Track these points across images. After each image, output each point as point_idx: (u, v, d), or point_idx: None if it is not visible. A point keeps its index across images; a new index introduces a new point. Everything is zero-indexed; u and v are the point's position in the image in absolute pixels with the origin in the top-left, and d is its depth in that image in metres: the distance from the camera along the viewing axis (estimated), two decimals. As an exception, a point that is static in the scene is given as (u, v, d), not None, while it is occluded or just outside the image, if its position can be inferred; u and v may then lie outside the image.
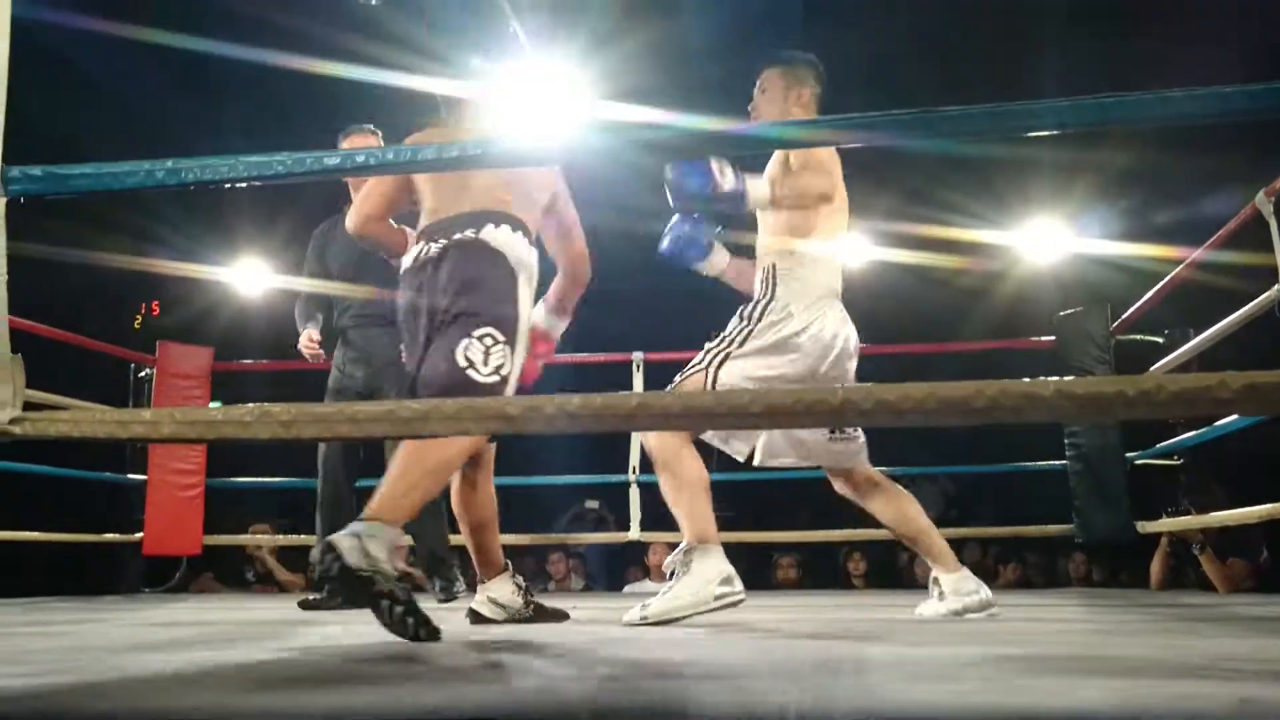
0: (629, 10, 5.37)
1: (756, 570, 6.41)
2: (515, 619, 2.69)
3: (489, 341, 2.44)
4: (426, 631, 2.05)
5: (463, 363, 2.41)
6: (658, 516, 5.42)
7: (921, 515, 2.87)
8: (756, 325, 2.73)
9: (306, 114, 6.18)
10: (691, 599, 2.53)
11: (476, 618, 2.70)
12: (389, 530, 2.14)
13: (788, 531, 5.71)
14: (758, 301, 2.80)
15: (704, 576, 2.55)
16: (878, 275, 7.92)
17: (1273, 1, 5.09)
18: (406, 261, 2.61)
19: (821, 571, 6.50)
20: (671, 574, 2.61)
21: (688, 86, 5.90)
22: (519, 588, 2.73)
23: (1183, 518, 4.51)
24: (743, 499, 7.80)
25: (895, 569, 6.47)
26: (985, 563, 6.50)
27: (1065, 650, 1.71)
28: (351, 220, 2.70)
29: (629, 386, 5.28)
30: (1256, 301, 3.54)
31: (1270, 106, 1.50)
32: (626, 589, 6.15)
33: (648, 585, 5.72)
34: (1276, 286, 3.37)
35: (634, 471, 5.22)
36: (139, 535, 5.25)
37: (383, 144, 3.92)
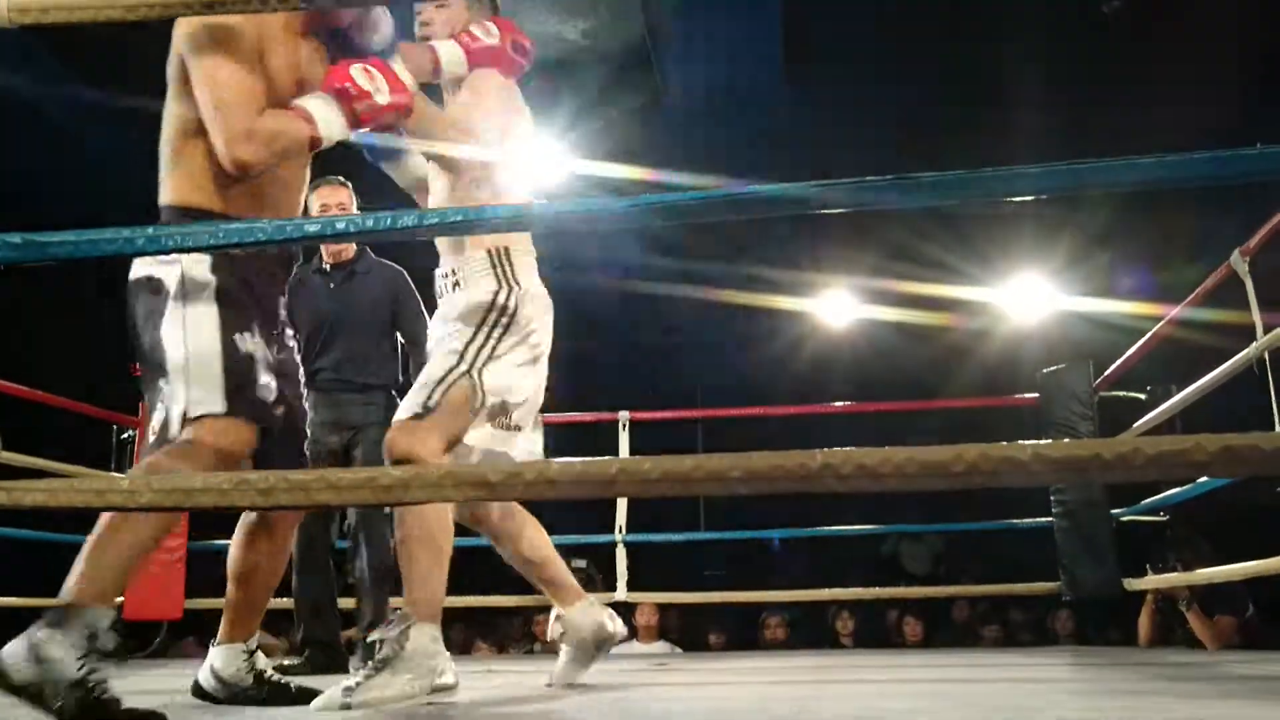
0: (610, 75, 5.43)
1: (745, 630, 6.36)
2: (236, 698, 2.31)
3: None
4: None
5: None
6: (645, 577, 5.41)
7: (548, 542, 2.68)
8: (511, 316, 2.43)
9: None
10: (405, 687, 2.19)
11: (196, 690, 2.36)
12: None
13: (776, 591, 5.67)
14: (499, 290, 2.45)
15: (425, 662, 2.25)
16: (863, 332, 7.96)
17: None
18: None
19: (810, 631, 6.45)
20: (380, 646, 2.26)
21: (670, 146, 5.98)
22: (251, 665, 2.36)
23: (1169, 574, 4.49)
24: (731, 558, 7.78)
25: (884, 628, 6.43)
26: (971, 621, 6.47)
27: (1043, 715, 1.70)
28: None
29: (615, 447, 5.29)
30: (1235, 359, 3.56)
31: (1236, 173, 1.53)
32: (613, 650, 6.07)
33: (635, 646, 5.66)
34: (1254, 344, 3.41)
35: (621, 531, 5.21)
36: (119, 599, 5.18)
37: (352, 195, 3.82)
